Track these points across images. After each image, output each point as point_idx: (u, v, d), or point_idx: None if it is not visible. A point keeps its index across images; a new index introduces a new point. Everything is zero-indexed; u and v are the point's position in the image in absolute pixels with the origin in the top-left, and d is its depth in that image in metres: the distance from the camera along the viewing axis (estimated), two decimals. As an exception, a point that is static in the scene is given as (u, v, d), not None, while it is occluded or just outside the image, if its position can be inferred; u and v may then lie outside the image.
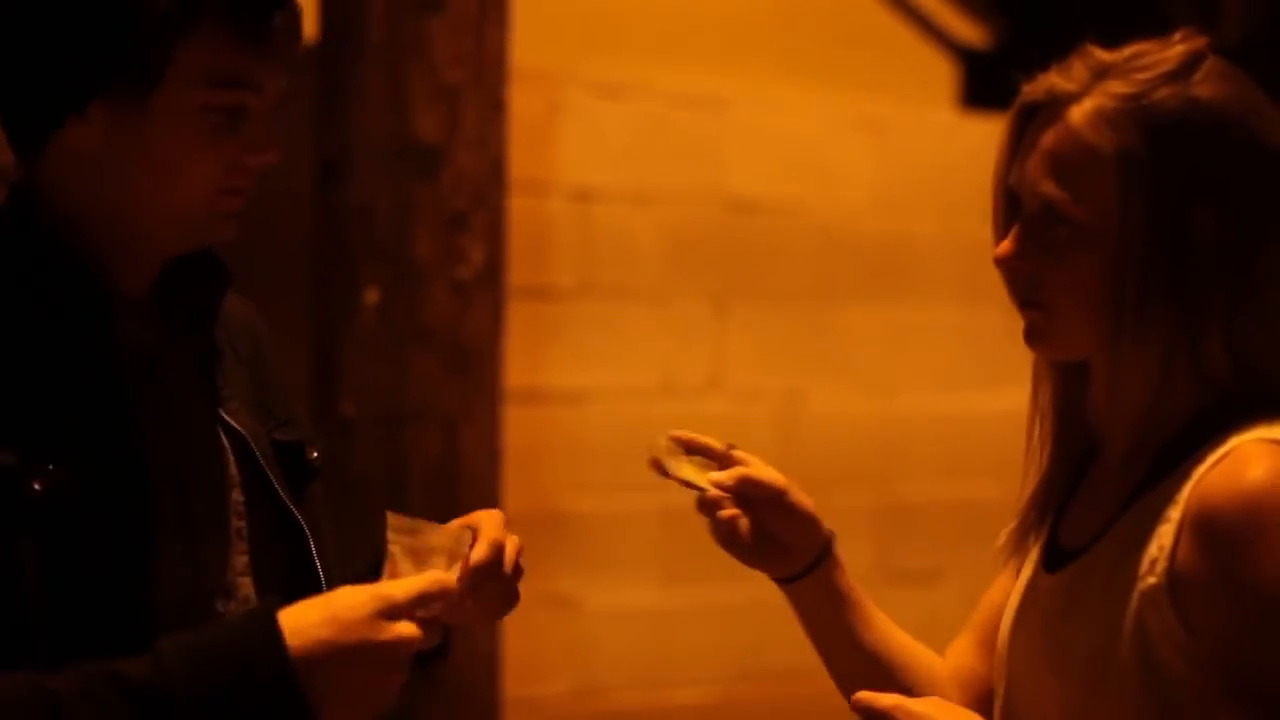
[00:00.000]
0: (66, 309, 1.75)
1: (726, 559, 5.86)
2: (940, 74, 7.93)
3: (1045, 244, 1.78)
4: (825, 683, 5.98)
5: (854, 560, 6.11)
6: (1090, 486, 1.85)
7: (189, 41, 1.73)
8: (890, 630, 1.99)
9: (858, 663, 1.89)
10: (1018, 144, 1.82)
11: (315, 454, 1.94)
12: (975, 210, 6.50)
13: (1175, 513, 1.70)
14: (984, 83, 8.40)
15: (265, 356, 1.95)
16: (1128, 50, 1.78)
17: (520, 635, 4.71)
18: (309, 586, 1.78)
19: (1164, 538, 1.70)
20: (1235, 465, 1.69)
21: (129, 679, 1.59)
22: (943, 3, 8.01)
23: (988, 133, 6.72)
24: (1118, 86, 1.75)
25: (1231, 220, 1.74)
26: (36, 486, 1.67)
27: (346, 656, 1.61)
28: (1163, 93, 1.74)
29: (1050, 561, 1.84)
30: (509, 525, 1.85)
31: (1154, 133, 1.73)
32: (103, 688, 1.59)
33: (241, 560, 1.81)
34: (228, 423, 1.85)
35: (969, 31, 8.09)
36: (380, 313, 3.82)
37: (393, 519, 1.76)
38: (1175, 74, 1.75)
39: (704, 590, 5.43)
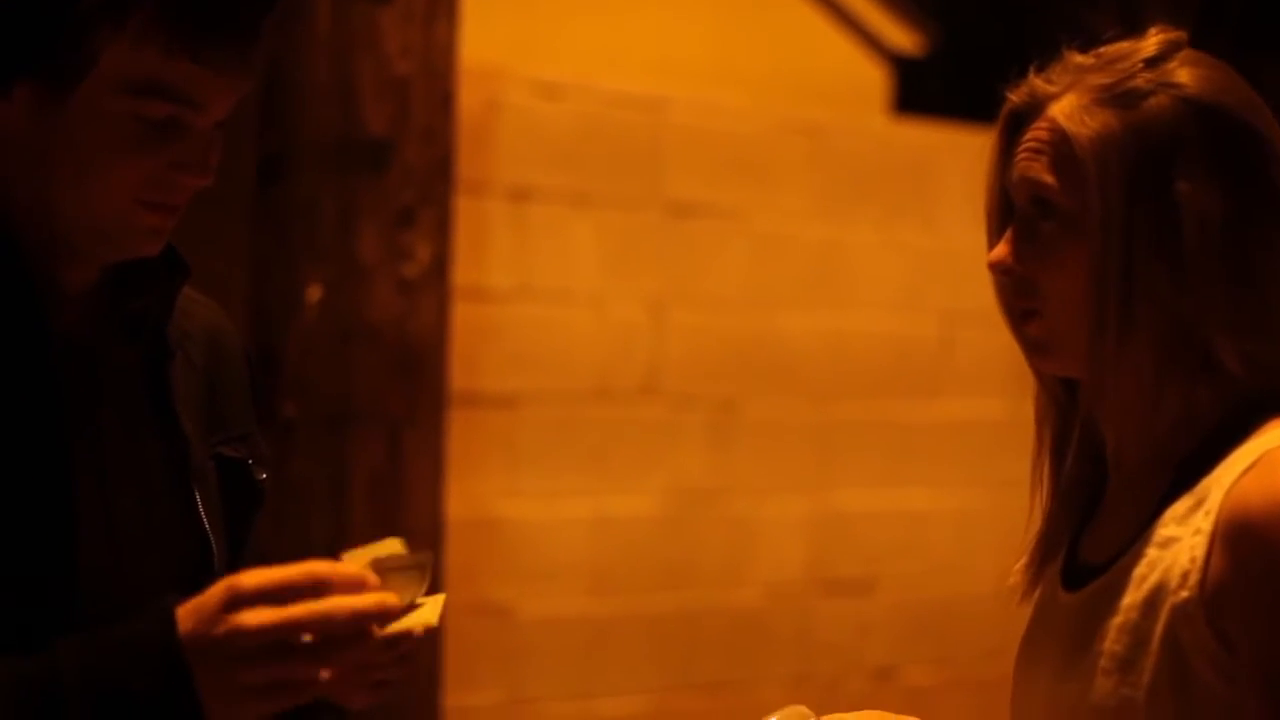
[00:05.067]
0: None
1: (657, 568, 5.78)
2: (873, 80, 7.91)
3: (1037, 243, 1.76)
4: (756, 693, 5.91)
5: (786, 569, 6.12)
6: (1108, 502, 1.79)
7: (117, 42, 1.63)
8: None
9: None
10: (1007, 149, 1.82)
11: (264, 475, 1.85)
12: (912, 216, 6.53)
13: (1206, 523, 1.65)
14: (916, 89, 8.38)
15: (228, 366, 1.85)
16: (1106, 49, 1.80)
17: (455, 645, 4.62)
18: None
19: (1195, 550, 1.65)
20: (1268, 471, 1.64)
21: (18, 665, 1.54)
22: (875, 10, 7.99)
23: (922, 139, 6.73)
24: (1096, 79, 1.76)
25: (1219, 198, 1.72)
26: None
27: (206, 649, 1.54)
28: (1140, 79, 1.75)
29: (1070, 580, 1.78)
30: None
31: (1132, 114, 1.74)
32: None
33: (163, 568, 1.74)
34: (166, 427, 1.76)
35: (901, 39, 8.08)
36: (323, 311, 3.72)
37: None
38: (1152, 60, 1.76)
39: (636, 599, 5.37)
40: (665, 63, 6.72)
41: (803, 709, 1.82)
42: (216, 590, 1.54)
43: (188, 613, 1.54)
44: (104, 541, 1.69)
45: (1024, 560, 1.84)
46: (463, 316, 4.70)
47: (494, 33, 5.27)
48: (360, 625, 1.54)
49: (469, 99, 4.52)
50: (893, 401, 6.04)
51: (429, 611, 1.60)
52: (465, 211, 4.72)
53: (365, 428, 3.73)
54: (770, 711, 1.81)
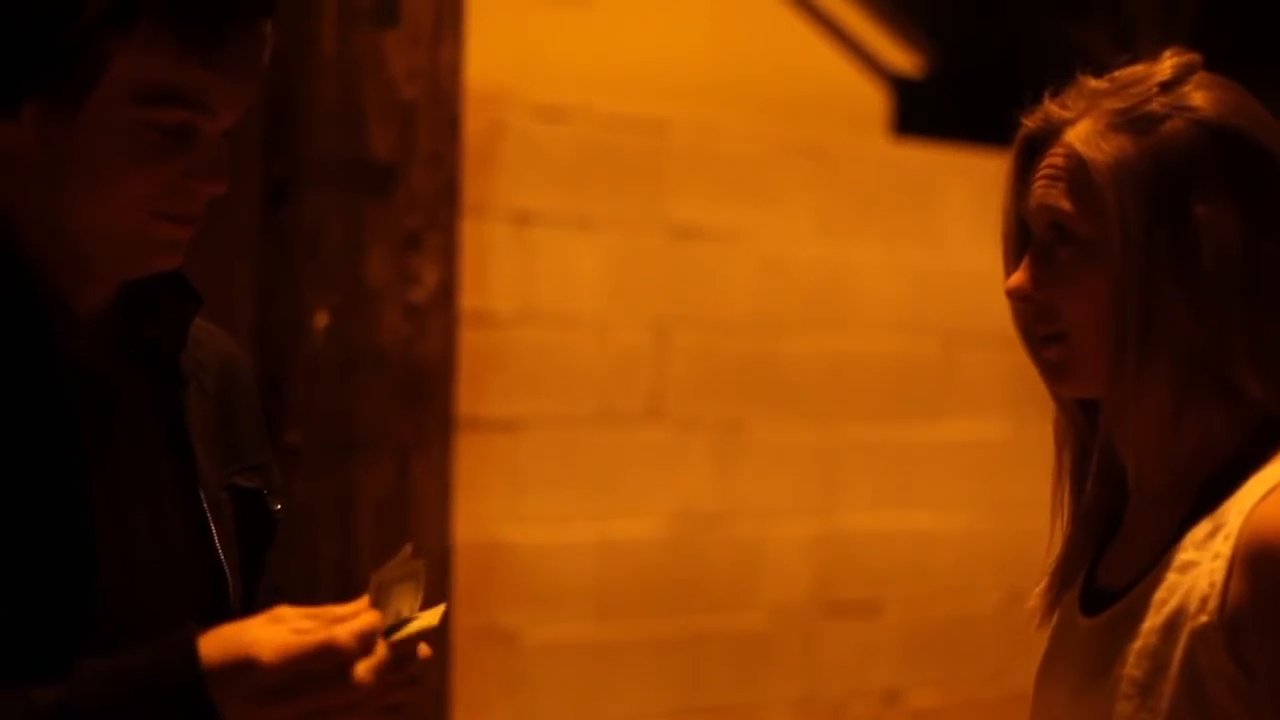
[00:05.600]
0: (5, 320, 1.64)
1: (663, 592, 5.76)
2: (873, 101, 7.91)
3: (1055, 269, 1.75)
4: (762, 717, 5.87)
5: (791, 591, 6.11)
6: (1128, 526, 1.78)
7: (126, 50, 1.61)
8: None
9: None
10: (1022, 175, 1.81)
11: (278, 506, 1.83)
12: (914, 237, 6.51)
13: (1226, 548, 1.64)
14: (916, 110, 8.37)
15: (240, 395, 1.83)
16: (1120, 74, 1.79)
17: (462, 670, 4.60)
18: None
19: (1215, 574, 1.64)
20: None
21: (37, 699, 1.52)
22: (874, 31, 7.99)
23: (923, 159, 6.72)
24: (1112, 103, 1.76)
25: (1237, 220, 1.71)
26: None
27: (231, 708, 1.53)
28: (1155, 103, 1.74)
29: (1088, 604, 1.77)
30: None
31: (1148, 139, 1.73)
32: (8, 709, 1.51)
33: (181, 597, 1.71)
34: (179, 457, 1.74)
35: (900, 60, 8.08)
36: (330, 336, 3.70)
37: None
38: (1167, 84, 1.76)
39: (641, 623, 5.35)
40: (666, 84, 6.72)
41: None
42: (237, 655, 1.53)
43: (210, 665, 1.53)
44: (121, 568, 1.67)
45: (1043, 584, 1.83)
46: (466, 341, 4.69)
47: (496, 55, 5.27)
48: (383, 687, 1.56)
49: (472, 122, 4.52)
50: (896, 422, 6.03)
51: (428, 618, 1.61)
52: (468, 235, 4.71)
53: (372, 453, 3.71)
54: None
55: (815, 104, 7.51)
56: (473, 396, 4.84)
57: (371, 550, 3.62)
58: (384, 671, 1.56)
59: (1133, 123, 1.73)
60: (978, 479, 6.19)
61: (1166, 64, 1.77)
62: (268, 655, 1.52)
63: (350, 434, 3.70)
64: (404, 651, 1.60)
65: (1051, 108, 1.78)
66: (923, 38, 8.25)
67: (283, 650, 1.52)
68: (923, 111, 8.44)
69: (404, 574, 1.61)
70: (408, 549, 1.63)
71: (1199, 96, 1.74)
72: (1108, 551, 1.79)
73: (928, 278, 6.09)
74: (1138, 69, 1.78)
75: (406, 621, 1.60)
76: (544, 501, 5.14)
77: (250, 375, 1.88)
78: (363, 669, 1.54)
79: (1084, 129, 1.74)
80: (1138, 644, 1.68)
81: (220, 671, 1.52)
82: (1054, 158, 1.76)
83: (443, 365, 3.81)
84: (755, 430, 5.65)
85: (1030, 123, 1.79)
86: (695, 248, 5.54)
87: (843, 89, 7.73)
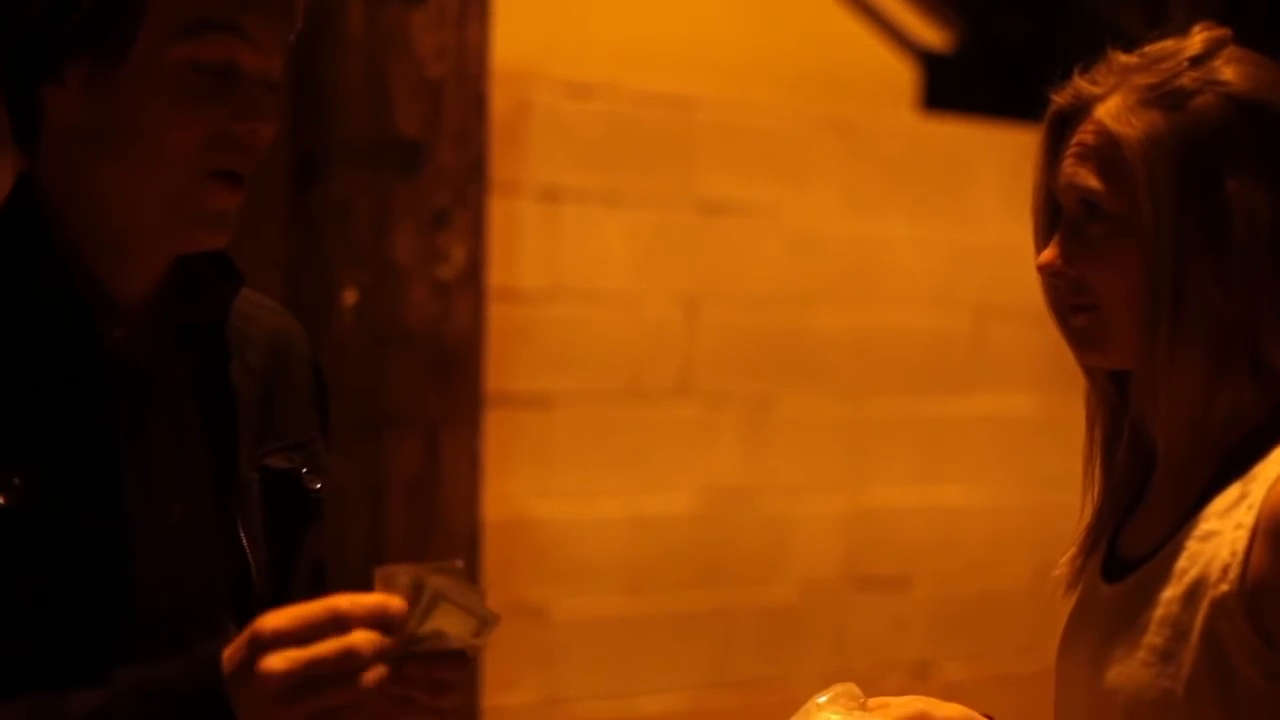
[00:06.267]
0: (46, 312, 1.65)
1: (693, 567, 5.76)
2: (902, 76, 7.89)
3: (1086, 245, 1.76)
4: (792, 690, 5.91)
5: (821, 566, 6.10)
6: (1151, 495, 1.79)
7: None
8: None
9: None
10: (1053, 151, 1.82)
11: (318, 485, 1.82)
12: (943, 212, 6.49)
13: (1248, 518, 1.66)
14: (944, 85, 8.35)
15: (289, 372, 1.83)
16: (1150, 49, 1.80)
17: (492, 646, 4.62)
18: (242, 623, 1.63)
19: (1237, 544, 1.65)
20: None
21: (72, 707, 1.52)
22: (903, 6, 7.97)
23: (952, 134, 6.69)
24: (1142, 79, 1.76)
25: (1268, 194, 1.72)
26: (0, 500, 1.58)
27: (242, 694, 1.51)
28: (1186, 78, 1.75)
29: (1110, 572, 1.78)
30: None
31: (1179, 114, 1.73)
32: (44, 715, 1.52)
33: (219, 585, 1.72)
34: (213, 441, 1.74)
35: (929, 35, 8.06)
36: (359, 314, 3.71)
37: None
38: (1197, 59, 1.76)
39: (671, 598, 5.36)
40: (694, 61, 6.72)
41: (853, 687, 1.82)
42: (244, 635, 1.53)
43: (227, 658, 1.53)
44: (155, 558, 1.67)
45: (1071, 552, 1.85)
46: (495, 317, 4.71)
47: (523, 33, 5.27)
48: (382, 656, 1.52)
49: (499, 100, 4.52)
50: (926, 398, 6.03)
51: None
52: (496, 212, 4.72)
53: (402, 431, 3.72)
54: (816, 695, 1.81)
55: (844, 80, 7.49)
56: (501, 373, 4.85)
57: (401, 527, 3.63)
58: (388, 654, 1.52)
59: (1163, 98, 1.74)
60: (1007, 454, 6.19)
61: (1196, 39, 1.78)
62: (271, 619, 1.52)
63: (379, 411, 3.71)
64: (420, 653, 1.55)
65: (1081, 84, 1.79)
66: (952, 13, 8.22)
67: (286, 614, 1.51)
68: (952, 87, 8.41)
69: (458, 594, 1.55)
70: (458, 562, 1.57)
71: (1229, 71, 1.75)
72: (1130, 519, 1.80)
73: (957, 253, 6.08)
74: (1167, 44, 1.79)
75: (438, 637, 1.55)
76: (573, 477, 5.15)
77: (303, 351, 1.86)
78: (362, 637, 1.51)
79: (1114, 105, 1.75)
80: (1159, 612, 1.69)
81: (235, 663, 1.52)
82: (1084, 134, 1.76)
83: (471, 342, 3.82)
84: (785, 406, 5.66)
85: (1060, 99, 1.80)
86: (724, 224, 5.54)
87: (872, 64, 7.72)
